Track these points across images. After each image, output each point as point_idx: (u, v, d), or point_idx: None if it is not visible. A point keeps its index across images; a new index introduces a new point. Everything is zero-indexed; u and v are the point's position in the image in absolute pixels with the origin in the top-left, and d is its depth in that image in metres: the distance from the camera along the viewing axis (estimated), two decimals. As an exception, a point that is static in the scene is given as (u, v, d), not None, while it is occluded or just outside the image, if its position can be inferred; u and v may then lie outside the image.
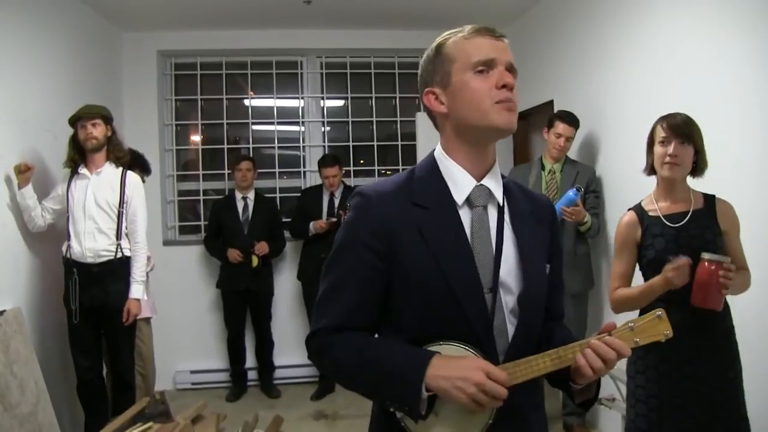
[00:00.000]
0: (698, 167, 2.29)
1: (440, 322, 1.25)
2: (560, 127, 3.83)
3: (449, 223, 1.27)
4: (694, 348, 2.20)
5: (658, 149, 2.27)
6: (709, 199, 2.31)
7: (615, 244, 2.43)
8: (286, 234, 5.05)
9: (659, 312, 1.25)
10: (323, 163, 4.83)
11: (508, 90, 1.23)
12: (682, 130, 2.23)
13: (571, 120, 3.86)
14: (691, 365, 2.21)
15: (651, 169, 2.37)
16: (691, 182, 2.35)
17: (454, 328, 1.24)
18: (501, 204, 1.32)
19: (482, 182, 1.30)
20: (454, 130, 1.31)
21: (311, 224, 4.70)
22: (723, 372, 2.21)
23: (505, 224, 1.31)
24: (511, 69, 1.26)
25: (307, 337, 1.35)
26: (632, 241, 2.36)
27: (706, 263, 2.11)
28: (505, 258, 1.28)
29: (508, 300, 1.28)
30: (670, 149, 2.22)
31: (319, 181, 4.96)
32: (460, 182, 1.30)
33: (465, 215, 1.29)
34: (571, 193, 3.48)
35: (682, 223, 2.25)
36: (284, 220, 5.10)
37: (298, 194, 5.37)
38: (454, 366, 1.17)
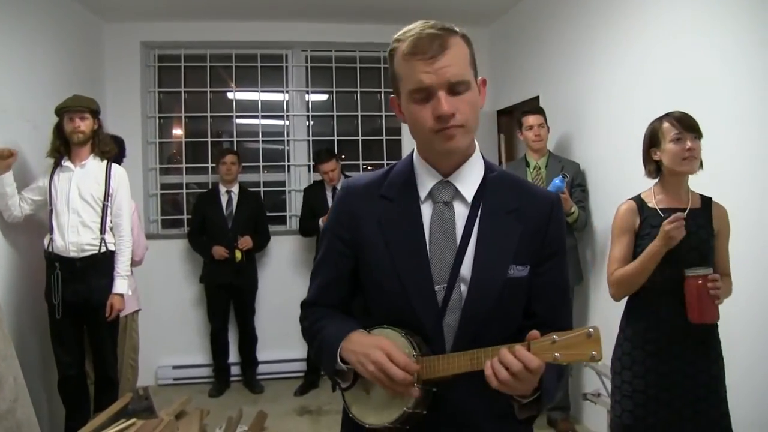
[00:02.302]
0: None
1: (395, 313, 1.28)
2: (529, 119, 3.94)
3: (407, 217, 1.30)
4: (681, 343, 2.23)
5: (671, 147, 2.25)
6: (706, 201, 2.33)
7: (613, 229, 2.42)
8: (271, 228, 5.02)
9: (591, 329, 1.10)
10: (319, 159, 4.76)
11: (446, 120, 1.18)
12: (693, 125, 2.25)
13: (536, 110, 4.00)
14: (679, 361, 2.23)
15: (656, 171, 2.37)
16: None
17: (404, 320, 1.27)
18: (470, 200, 1.30)
19: (448, 178, 1.30)
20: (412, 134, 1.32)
21: (320, 220, 4.64)
22: (707, 368, 2.24)
23: (476, 220, 1.29)
24: (455, 86, 1.19)
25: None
26: (631, 226, 2.35)
27: (692, 279, 2.13)
28: (468, 254, 1.27)
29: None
30: (689, 144, 2.22)
31: (307, 178, 4.94)
32: (424, 178, 1.32)
33: (426, 210, 1.30)
34: (557, 180, 3.49)
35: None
36: (268, 214, 5.07)
37: (282, 188, 5.39)
38: (362, 343, 1.23)
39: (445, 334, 1.25)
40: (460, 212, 1.29)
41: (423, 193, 1.30)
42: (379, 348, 1.18)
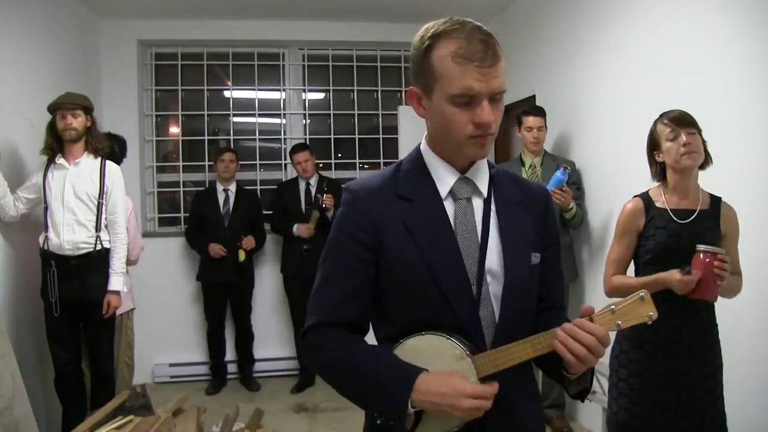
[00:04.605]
0: (706, 157, 2.30)
1: (427, 313, 1.26)
2: (529, 120, 3.94)
3: (433, 215, 1.28)
4: (678, 343, 2.24)
5: (669, 145, 2.26)
6: (715, 201, 2.31)
7: (616, 229, 2.43)
8: (267, 227, 5.03)
9: (642, 293, 1.19)
10: (293, 151, 4.86)
11: (485, 128, 1.20)
12: (686, 120, 2.25)
13: (537, 111, 3.99)
14: (675, 360, 2.24)
15: (661, 173, 2.36)
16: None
17: (441, 319, 1.25)
18: (486, 196, 1.32)
19: (466, 175, 1.31)
20: (433, 131, 1.31)
21: (295, 227, 4.66)
22: (703, 367, 2.24)
23: (491, 215, 1.31)
24: (495, 96, 1.20)
25: (301, 333, 1.36)
26: (634, 228, 2.36)
27: (701, 254, 2.14)
28: (491, 248, 1.29)
29: (498, 290, 1.28)
30: (683, 139, 2.22)
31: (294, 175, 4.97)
32: (443, 175, 1.31)
33: (449, 207, 1.30)
34: (558, 173, 3.51)
35: (689, 220, 2.26)
36: (265, 212, 5.08)
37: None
38: (440, 392, 1.16)
39: (482, 328, 1.27)
40: (477, 207, 1.31)
41: (443, 190, 1.30)
42: (464, 396, 1.15)
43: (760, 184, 2.58)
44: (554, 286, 1.43)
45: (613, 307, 1.20)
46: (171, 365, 5.08)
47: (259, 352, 5.06)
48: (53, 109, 3.35)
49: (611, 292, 2.41)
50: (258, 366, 5.08)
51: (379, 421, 1.25)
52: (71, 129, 3.33)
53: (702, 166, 2.31)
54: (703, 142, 2.28)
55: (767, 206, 2.56)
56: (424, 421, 1.23)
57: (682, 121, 2.25)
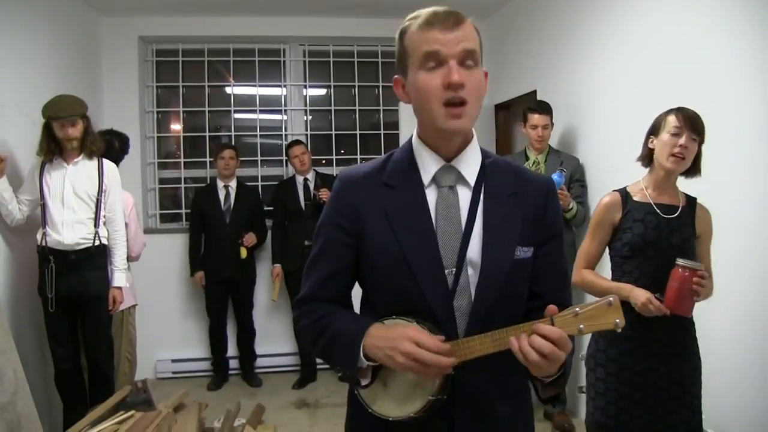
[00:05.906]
0: (695, 167, 2.26)
1: (404, 300, 1.28)
2: (534, 118, 3.92)
3: (413, 203, 1.30)
4: (655, 342, 2.22)
5: (667, 138, 2.21)
6: (691, 201, 2.30)
7: (591, 222, 2.42)
8: (268, 223, 5.03)
9: (611, 298, 1.12)
10: (288, 147, 4.93)
11: (456, 89, 1.19)
12: (696, 125, 2.19)
13: (543, 108, 3.95)
14: (653, 359, 2.23)
15: (648, 159, 2.33)
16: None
17: (416, 307, 1.26)
18: (472, 184, 1.31)
19: (451, 163, 1.31)
20: (418, 114, 1.32)
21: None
22: (681, 366, 2.23)
23: (479, 204, 1.30)
24: (466, 59, 1.20)
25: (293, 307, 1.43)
26: (609, 222, 2.34)
27: (680, 269, 2.12)
28: (473, 238, 1.28)
29: (477, 281, 1.28)
30: (682, 141, 2.18)
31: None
32: (427, 163, 1.32)
33: (431, 195, 1.31)
34: (555, 175, 3.49)
35: (670, 216, 2.24)
36: (266, 208, 5.08)
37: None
38: (387, 336, 1.21)
39: (456, 318, 1.26)
40: (464, 196, 1.31)
41: (426, 178, 1.31)
42: (406, 339, 1.16)
43: (743, 183, 2.59)
44: (554, 282, 1.36)
45: (578, 309, 1.13)
46: (173, 361, 5.10)
47: (260, 347, 5.07)
48: (49, 115, 3.30)
49: (579, 283, 2.41)
50: (259, 362, 5.09)
51: (340, 374, 1.30)
52: (72, 139, 3.33)
53: (688, 174, 2.29)
54: (699, 152, 2.24)
55: (749, 205, 2.56)
56: (383, 399, 1.26)
57: (691, 123, 2.19)
